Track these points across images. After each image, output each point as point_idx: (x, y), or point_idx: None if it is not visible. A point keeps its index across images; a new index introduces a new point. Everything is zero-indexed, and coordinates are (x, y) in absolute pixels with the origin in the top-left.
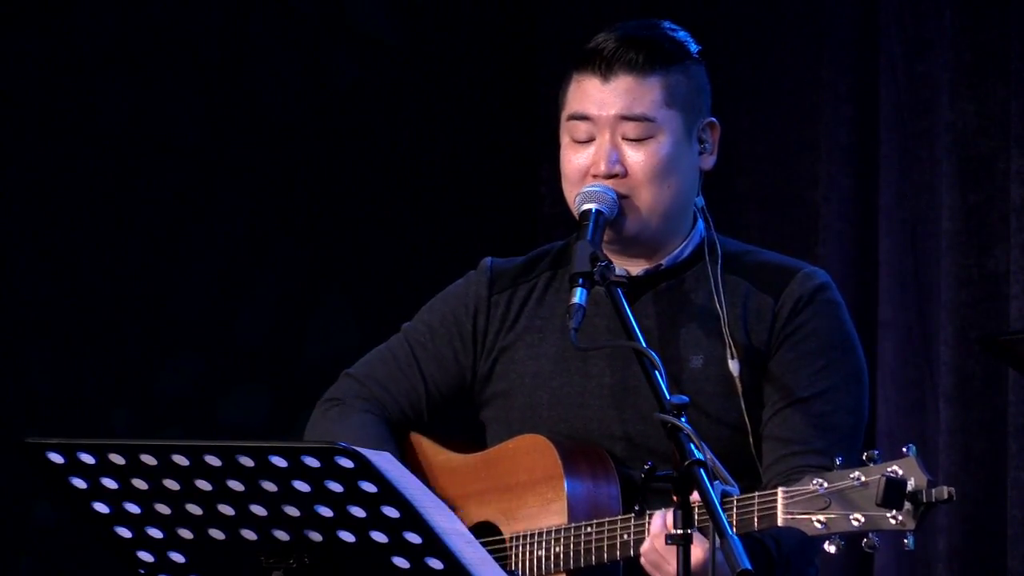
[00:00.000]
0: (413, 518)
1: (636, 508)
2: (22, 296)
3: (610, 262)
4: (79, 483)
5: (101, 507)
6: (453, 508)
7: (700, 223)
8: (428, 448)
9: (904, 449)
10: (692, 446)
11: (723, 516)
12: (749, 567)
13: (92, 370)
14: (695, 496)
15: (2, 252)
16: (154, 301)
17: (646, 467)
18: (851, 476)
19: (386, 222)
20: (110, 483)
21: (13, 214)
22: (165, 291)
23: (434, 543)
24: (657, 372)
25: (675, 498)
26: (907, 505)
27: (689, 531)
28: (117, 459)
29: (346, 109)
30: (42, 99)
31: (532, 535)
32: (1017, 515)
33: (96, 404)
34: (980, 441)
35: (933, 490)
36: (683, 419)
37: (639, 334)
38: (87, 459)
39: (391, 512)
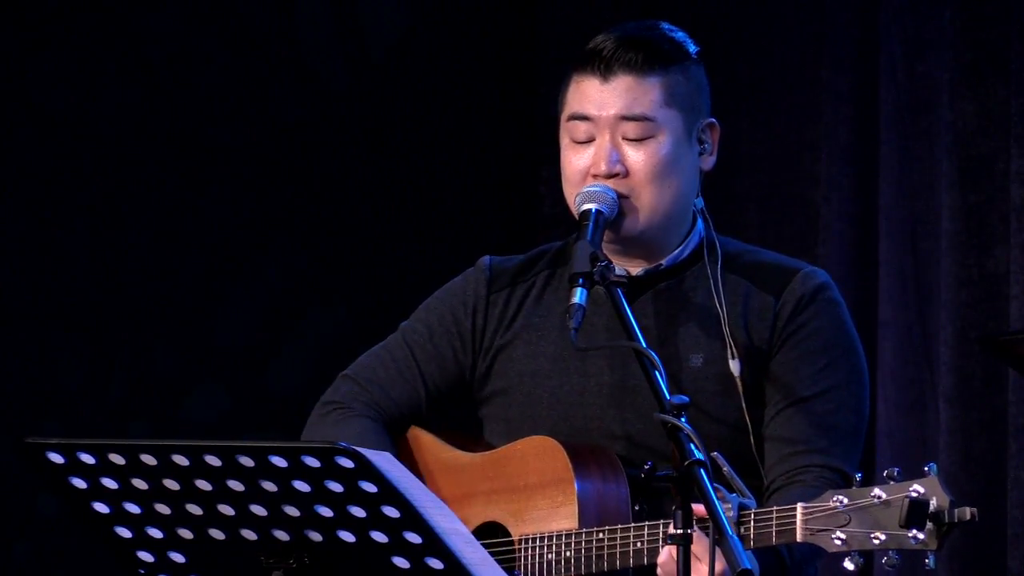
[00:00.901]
0: (413, 518)
1: (636, 508)
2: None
3: (610, 262)
4: (79, 483)
5: (101, 507)
6: (458, 507)
7: (699, 223)
8: (433, 446)
9: (925, 468)
10: (692, 446)
11: (724, 516)
12: (749, 567)
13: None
14: (700, 508)
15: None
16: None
17: (646, 467)
18: (872, 494)
19: (386, 223)
20: (110, 483)
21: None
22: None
23: (434, 543)
24: (657, 372)
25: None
26: (929, 525)
27: (689, 531)
28: (117, 459)
29: (346, 109)
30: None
31: (542, 538)
32: (1017, 515)
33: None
34: (980, 441)
35: (956, 511)
36: (683, 419)
37: (639, 334)
38: (87, 459)
39: (391, 512)
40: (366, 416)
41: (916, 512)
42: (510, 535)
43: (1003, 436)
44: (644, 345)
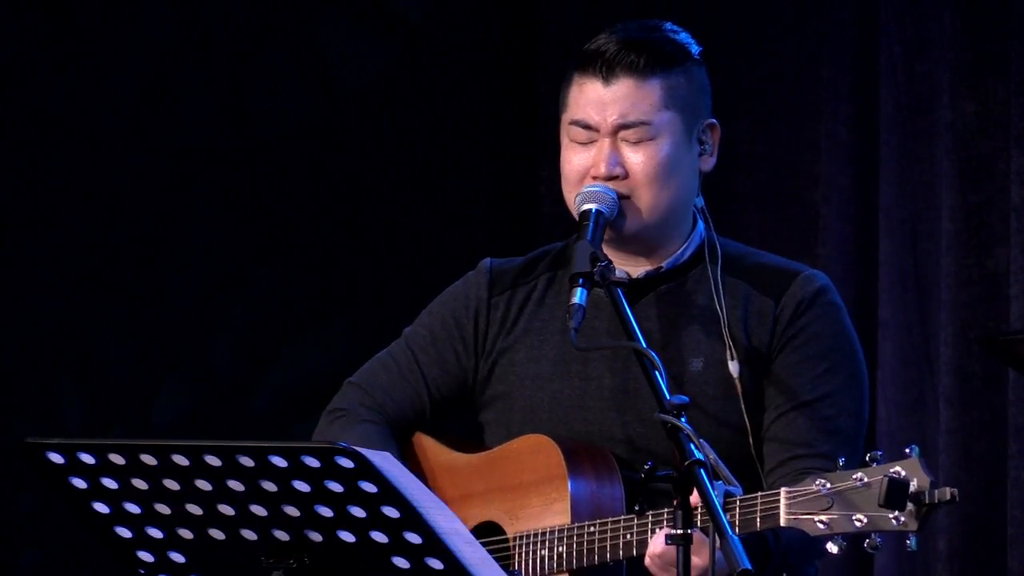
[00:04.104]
0: (413, 518)
1: (636, 508)
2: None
3: (610, 262)
4: (79, 483)
5: (101, 507)
6: (456, 508)
7: (700, 224)
8: (431, 447)
9: (907, 450)
10: (692, 446)
11: (723, 516)
12: (749, 567)
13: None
14: (695, 498)
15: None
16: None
17: (647, 467)
18: (854, 477)
19: (386, 222)
20: (110, 483)
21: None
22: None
23: (434, 543)
24: (657, 372)
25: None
26: (909, 506)
27: (689, 531)
28: (117, 459)
29: (347, 109)
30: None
31: (535, 535)
32: (1017, 515)
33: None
34: (980, 441)
35: (936, 491)
36: (683, 419)
37: (639, 334)
38: (87, 459)
39: (391, 512)
40: (370, 421)
41: (896, 492)
42: (505, 534)
43: (1003, 436)
44: (644, 345)
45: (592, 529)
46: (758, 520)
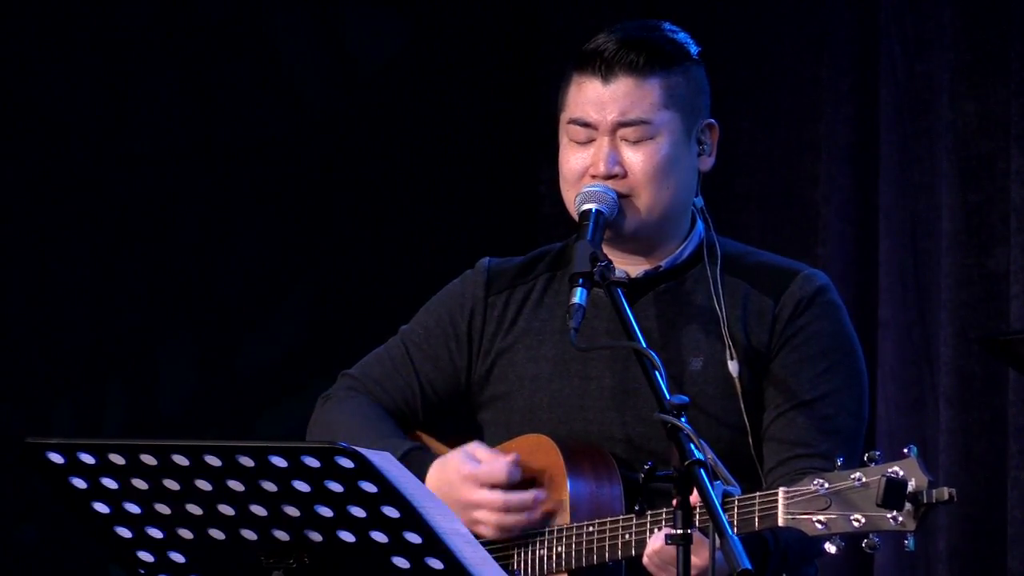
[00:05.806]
0: (413, 518)
1: (636, 508)
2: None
3: (610, 262)
4: (79, 483)
5: (101, 507)
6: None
7: (699, 224)
8: (431, 447)
9: (905, 450)
10: (692, 446)
11: (723, 516)
12: (749, 567)
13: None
14: (695, 497)
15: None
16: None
17: (647, 467)
18: (852, 476)
19: (386, 222)
20: (110, 483)
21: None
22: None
23: (434, 543)
24: (657, 372)
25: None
26: (907, 506)
27: (689, 531)
28: (117, 459)
29: (347, 109)
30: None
31: (534, 534)
32: (1017, 515)
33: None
34: (980, 441)
35: (934, 491)
36: (683, 419)
37: (639, 334)
38: (87, 459)
39: (391, 512)
40: (361, 396)
41: (894, 492)
42: None
43: (1003, 436)
44: (644, 345)
45: (591, 529)
46: (756, 520)
